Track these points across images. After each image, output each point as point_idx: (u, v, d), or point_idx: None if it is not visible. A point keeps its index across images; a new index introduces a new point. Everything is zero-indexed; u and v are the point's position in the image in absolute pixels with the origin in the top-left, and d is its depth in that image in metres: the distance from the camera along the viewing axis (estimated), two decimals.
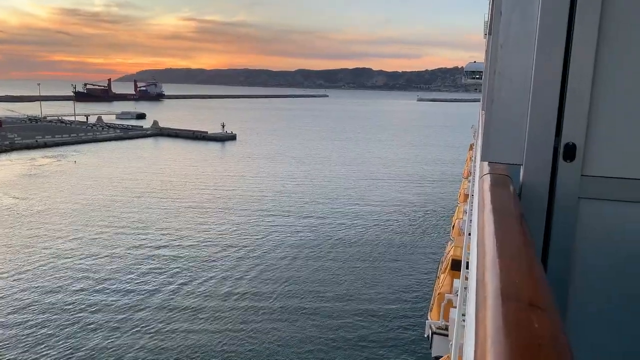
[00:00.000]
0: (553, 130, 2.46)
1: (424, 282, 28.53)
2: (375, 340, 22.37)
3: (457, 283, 11.21)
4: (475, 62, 63.20)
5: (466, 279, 5.52)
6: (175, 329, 23.02)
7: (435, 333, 15.17)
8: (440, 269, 22.09)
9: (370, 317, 24.50)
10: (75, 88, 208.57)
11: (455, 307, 8.51)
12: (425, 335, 16.30)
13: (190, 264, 30.87)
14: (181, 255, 32.48)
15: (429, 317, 16.67)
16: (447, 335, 13.25)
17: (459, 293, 7.61)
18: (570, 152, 2.45)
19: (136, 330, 22.84)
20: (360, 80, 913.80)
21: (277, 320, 24.02)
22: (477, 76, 57.16)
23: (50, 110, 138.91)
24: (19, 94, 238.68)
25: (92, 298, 25.87)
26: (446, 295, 15.15)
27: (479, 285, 1.34)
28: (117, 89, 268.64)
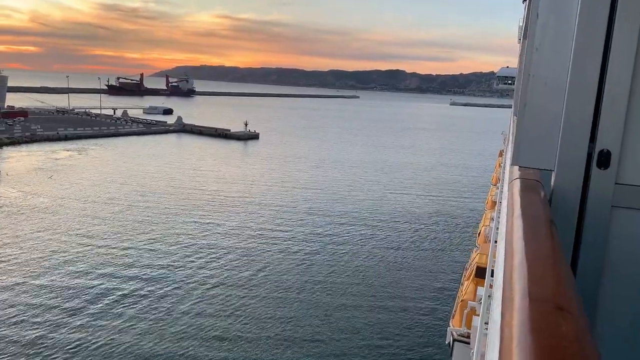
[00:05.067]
0: (587, 136, 2.38)
1: (447, 289, 28.21)
2: (395, 344, 22.22)
3: (481, 291, 11.05)
4: (507, 67, 62.29)
5: (491, 286, 5.42)
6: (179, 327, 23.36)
7: (457, 340, 15.02)
8: (465, 276, 21.84)
9: (391, 322, 24.33)
10: (108, 81, 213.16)
11: (478, 315, 8.39)
12: (446, 342, 16.14)
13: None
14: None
15: (450, 324, 16.50)
16: (468, 343, 13.09)
17: (482, 301, 7.49)
18: (604, 159, 2.36)
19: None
20: (392, 82, 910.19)
21: (298, 318, 24.14)
22: (509, 82, 56.30)
23: (81, 102, 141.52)
24: (55, 86, 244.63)
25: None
26: (469, 302, 14.99)
27: (506, 287, 1.34)
28: (151, 84, 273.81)
